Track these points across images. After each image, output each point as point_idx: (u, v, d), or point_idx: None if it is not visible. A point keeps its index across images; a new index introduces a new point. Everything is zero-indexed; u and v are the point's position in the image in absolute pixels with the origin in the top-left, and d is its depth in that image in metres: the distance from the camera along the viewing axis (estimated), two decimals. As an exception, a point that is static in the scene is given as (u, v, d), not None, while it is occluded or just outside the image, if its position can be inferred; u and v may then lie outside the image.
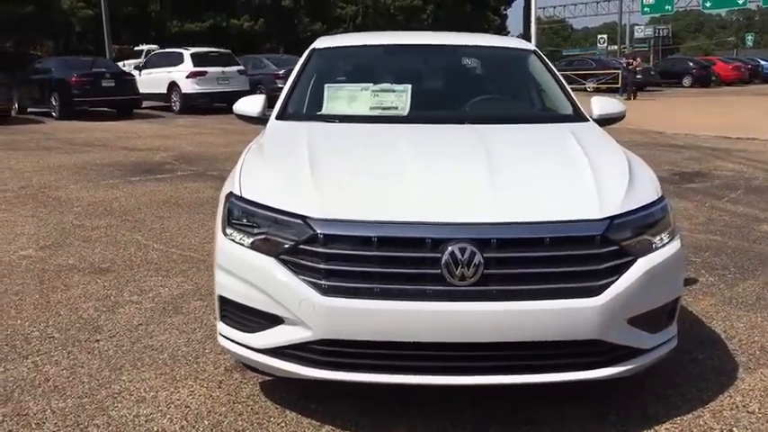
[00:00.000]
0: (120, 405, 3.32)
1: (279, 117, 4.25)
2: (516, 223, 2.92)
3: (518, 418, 3.19)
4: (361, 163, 3.41)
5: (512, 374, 2.94)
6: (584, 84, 31.64)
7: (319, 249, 2.90)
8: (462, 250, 2.83)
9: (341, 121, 4.13)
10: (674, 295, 3.24)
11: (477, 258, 2.83)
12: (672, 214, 3.31)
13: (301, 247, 2.94)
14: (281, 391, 3.38)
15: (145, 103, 21.74)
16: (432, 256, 2.85)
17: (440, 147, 3.68)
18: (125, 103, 19.91)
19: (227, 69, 21.47)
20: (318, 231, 2.91)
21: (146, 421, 3.18)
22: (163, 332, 4.20)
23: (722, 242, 6.23)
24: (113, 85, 19.48)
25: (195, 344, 4.02)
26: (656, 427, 3.14)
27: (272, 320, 3.01)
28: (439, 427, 3.12)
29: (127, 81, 20.10)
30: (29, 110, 20.53)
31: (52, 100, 19.29)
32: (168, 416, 3.22)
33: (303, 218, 2.96)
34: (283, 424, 3.15)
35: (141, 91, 20.63)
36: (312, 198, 3.05)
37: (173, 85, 21.21)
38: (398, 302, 2.84)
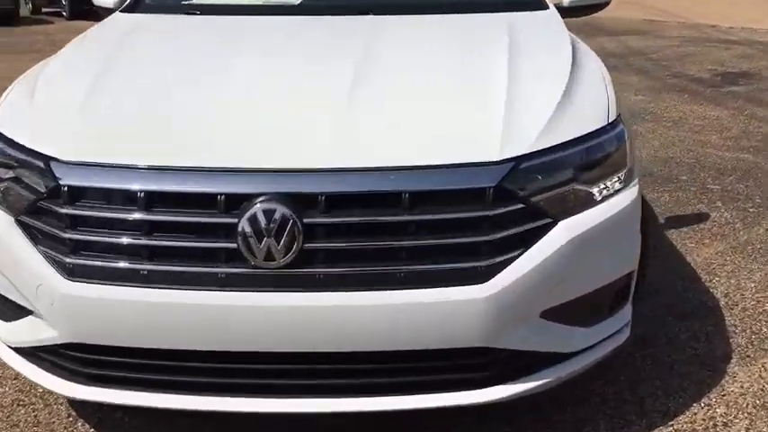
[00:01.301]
0: None
1: (129, 8, 3.17)
2: (358, 170, 1.89)
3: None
4: (167, 81, 2.34)
5: (354, 397, 1.96)
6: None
7: (63, 209, 1.93)
8: (269, 213, 1.83)
9: (204, 14, 3.06)
10: (624, 270, 2.19)
11: (293, 224, 1.82)
12: (629, 146, 2.22)
13: (42, 204, 1.98)
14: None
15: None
16: (226, 222, 1.86)
17: (302, 54, 2.58)
18: None
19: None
20: (62, 181, 1.93)
21: None
22: None
23: (753, 162, 5.01)
24: (125, -20, 18.29)
25: None
26: (587, 463, 2.17)
27: (20, 310, 2.09)
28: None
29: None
30: (43, 10, 19.64)
31: (62, -1, 18.31)
32: None
33: (47, 159, 1.98)
34: (61, 445, 2.28)
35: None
36: (66, 131, 2.06)
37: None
38: (175, 291, 1.87)
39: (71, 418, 2.38)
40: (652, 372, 2.58)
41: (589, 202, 2.05)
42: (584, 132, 2.08)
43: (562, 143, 2.02)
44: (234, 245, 1.84)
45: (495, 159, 1.92)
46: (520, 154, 1.95)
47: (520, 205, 1.92)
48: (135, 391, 1.98)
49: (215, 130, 2.01)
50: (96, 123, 2.08)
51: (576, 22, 3.43)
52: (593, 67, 2.47)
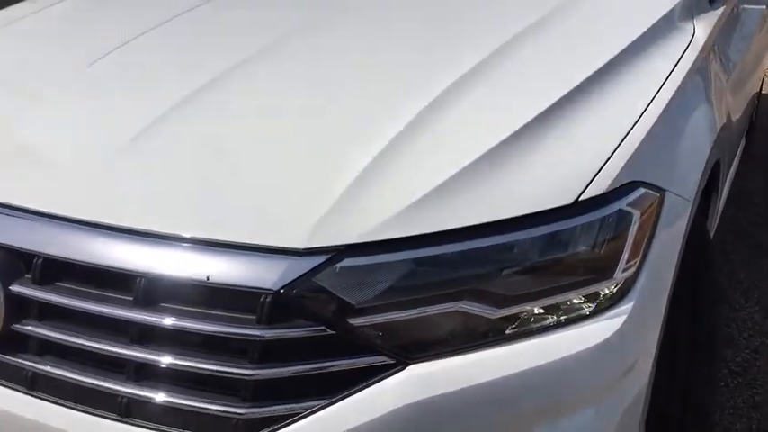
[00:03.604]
0: None
1: None
2: (92, 226, 1.23)
3: None
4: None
5: None
6: None
7: None
8: None
9: None
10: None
11: None
12: (633, 240, 1.26)
13: None
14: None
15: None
16: None
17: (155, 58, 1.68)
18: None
19: None
20: None
21: None
22: None
23: None
24: None
25: None
26: None
27: None
28: None
29: None
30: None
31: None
32: None
33: None
34: None
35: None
36: None
37: None
38: None
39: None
40: None
41: (488, 336, 1.17)
42: (503, 216, 1.17)
43: (440, 233, 1.15)
44: None
45: (294, 247, 1.13)
46: (346, 243, 1.13)
47: (319, 328, 1.13)
48: None
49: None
50: None
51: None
52: (646, 83, 1.44)
